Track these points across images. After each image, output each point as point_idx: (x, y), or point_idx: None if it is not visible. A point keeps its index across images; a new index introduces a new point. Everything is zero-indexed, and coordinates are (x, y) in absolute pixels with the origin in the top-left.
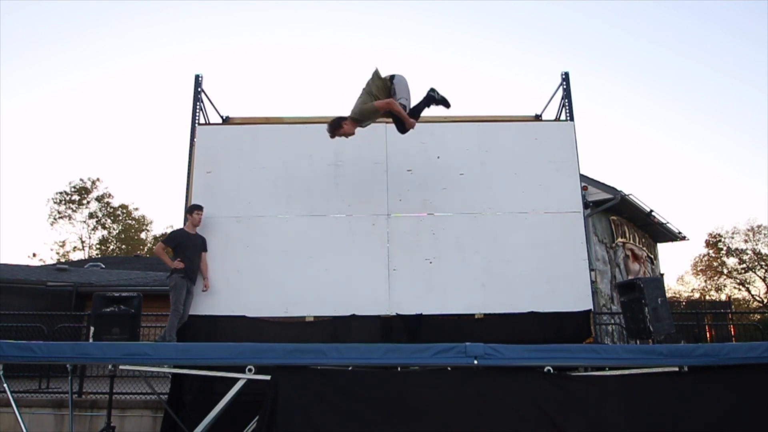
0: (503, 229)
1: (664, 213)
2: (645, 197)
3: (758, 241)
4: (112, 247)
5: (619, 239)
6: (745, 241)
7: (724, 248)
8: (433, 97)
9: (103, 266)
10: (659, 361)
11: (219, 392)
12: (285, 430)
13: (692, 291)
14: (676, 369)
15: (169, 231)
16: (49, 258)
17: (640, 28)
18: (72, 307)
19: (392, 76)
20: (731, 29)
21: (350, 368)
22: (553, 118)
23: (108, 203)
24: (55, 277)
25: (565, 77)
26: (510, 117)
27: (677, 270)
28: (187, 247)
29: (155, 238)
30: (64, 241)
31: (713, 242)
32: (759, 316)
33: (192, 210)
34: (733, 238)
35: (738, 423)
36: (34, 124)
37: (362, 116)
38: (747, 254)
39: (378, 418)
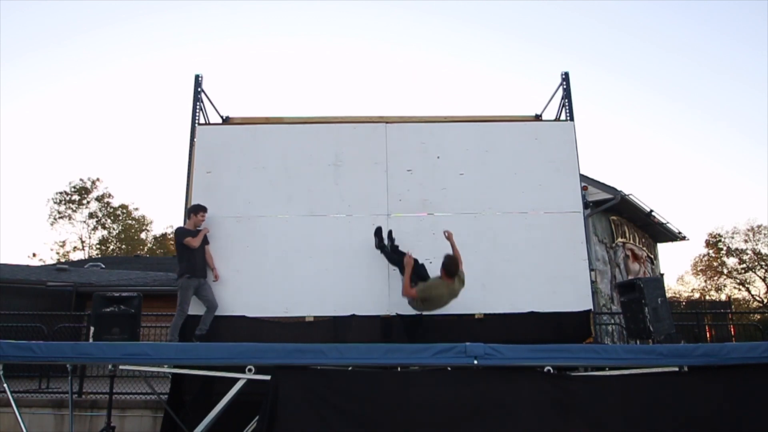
0: (503, 229)
1: (664, 213)
2: (645, 197)
3: (758, 241)
4: (112, 247)
5: (619, 239)
6: (745, 241)
7: (724, 248)
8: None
9: (103, 266)
10: (659, 361)
11: (219, 392)
12: (285, 430)
13: (692, 291)
14: (676, 369)
15: (169, 231)
16: (49, 258)
17: (640, 29)
18: (72, 307)
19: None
20: (731, 29)
21: (350, 368)
22: (553, 118)
23: (108, 203)
24: (55, 277)
25: (565, 77)
26: (510, 117)
27: (677, 270)
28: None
29: (155, 238)
30: (64, 241)
31: (713, 242)
32: (759, 316)
33: (197, 211)
34: (733, 238)
35: (738, 423)
36: (35, 124)
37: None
38: (747, 254)
39: (378, 418)
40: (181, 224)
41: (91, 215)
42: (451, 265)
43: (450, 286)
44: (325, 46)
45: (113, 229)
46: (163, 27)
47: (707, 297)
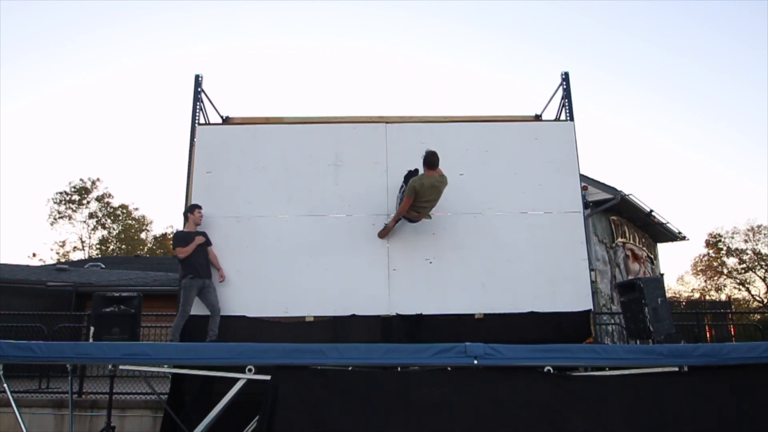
0: (503, 229)
1: (664, 213)
2: (645, 197)
3: (758, 241)
4: (112, 247)
5: (619, 239)
6: (745, 241)
7: (724, 248)
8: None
9: (103, 266)
10: (659, 361)
11: (219, 392)
12: (285, 430)
13: (692, 291)
14: (676, 369)
15: (169, 231)
16: (49, 258)
17: (640, 29)
18: (72, 307)
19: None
20: (731, 29)
21: (350, 368)
22: (553, 118)
23: (108, 203)
24: (55, 277)
25: (565, 77)
26: (510, 117)
27: (677, 270)
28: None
29: (155, 238)
30: (64, 241)
31: (713, 242)
32: (759, 316)
33: (193, 209)
34: (733, 238)
35: (738, 423)
36: (35, 124)
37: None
38: (747, 254)
39: (378, 418)
40: (181, 225)
41: (91, 215)
42: (432, 157)
43: (434, 177)
44: (325, 46)
45: (113, 229)
46: (163, 27)
47: (707, 297)
